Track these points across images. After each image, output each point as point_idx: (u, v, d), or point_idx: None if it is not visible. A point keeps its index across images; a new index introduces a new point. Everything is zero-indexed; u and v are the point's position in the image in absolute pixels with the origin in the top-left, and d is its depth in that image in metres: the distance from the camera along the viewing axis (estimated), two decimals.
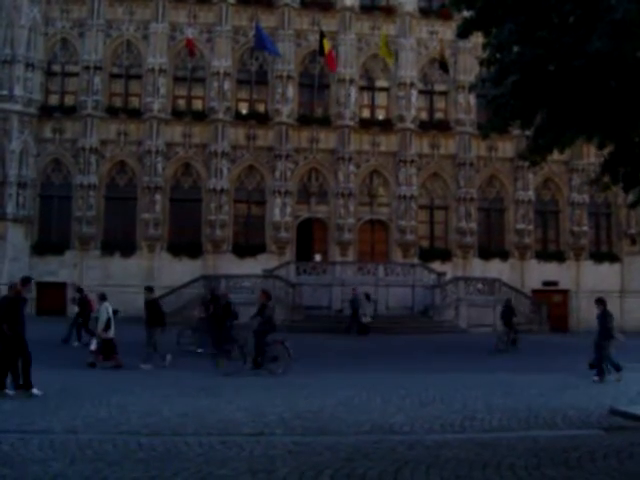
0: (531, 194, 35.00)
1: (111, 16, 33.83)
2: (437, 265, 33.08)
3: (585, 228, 35.29)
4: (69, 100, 33.90)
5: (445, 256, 34.27)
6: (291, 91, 33.82)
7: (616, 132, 9.25)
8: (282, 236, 33.09)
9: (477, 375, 15.23)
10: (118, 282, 30.36)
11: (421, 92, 35.26)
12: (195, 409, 10.25)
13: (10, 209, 31.59)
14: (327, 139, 34.19)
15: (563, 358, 20.17)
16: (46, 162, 33.19)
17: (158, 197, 32.71)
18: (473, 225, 34.53)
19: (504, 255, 34.88)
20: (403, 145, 34.26)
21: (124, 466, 6.90)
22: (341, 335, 25.91)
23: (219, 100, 33.28)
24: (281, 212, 33.10)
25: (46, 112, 33.14)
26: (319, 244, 33.96)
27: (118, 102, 34.10)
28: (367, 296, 27.43)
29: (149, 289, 16.93)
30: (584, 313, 31.79)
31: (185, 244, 33.03)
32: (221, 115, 33.28)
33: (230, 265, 31.98)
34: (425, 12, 35.57)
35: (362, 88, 35.21)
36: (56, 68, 34.17)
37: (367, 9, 35.19)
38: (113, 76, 34.24)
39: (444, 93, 35.83)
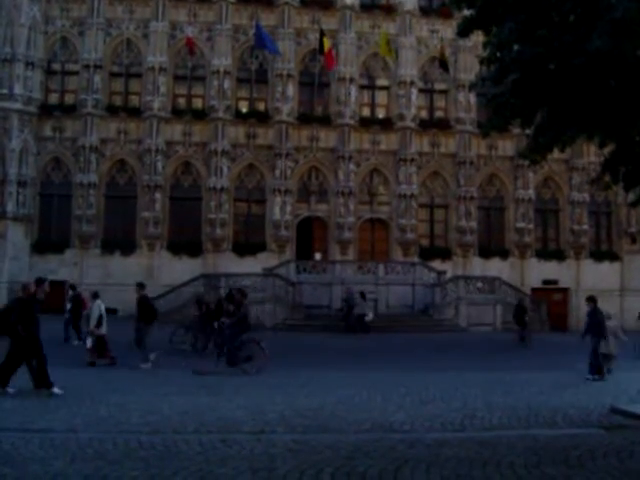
0: (531, 193, 34.98)
1: (111, 15, 33.80)
2: (437, 264, 33.08)
3: (585, 227, 35.28)
4: (69, 99, 33.89)
5: (445, 255, 34.26)
6: (291, 90, 33.78)
7: (617, 131, 9.24)
8: (282, 235, 33.08)
9: (477, 373, 15.23)
10: (118, 281, 30.31)
11: (421, 91, 35.22)
12: (195, 407, 10.25)
13: (10, 208, 31.56)
14: (327, 138, 34.15)
15: (563, 356, 20.20)
16: (46, 161, 33.17)
17: (158, 196, 32.70)
18: (473, 224, 34.50)
19: (504, 254, 34.86)
20: (403, 144, 34.23)
21: (124, 464, 6.89)
22: (341, 334, 25.92)
23: (219, 99, 33.25)
24: (281, 211, 33.08)
25: (46, 111, 33.12)
26: (319, 243, 33.94)
27: (118, 101, 34.08)
28: (362, 295, 27.40)
29: (140, 285, 16.67)
30: (584, 312, 31.59)
31: (185, 243, 33.02)
32: (221, 114, 33.25)
33: (230, 264, 31.94)
34: (425, 11, 35.53)
35: (362, 87, 35.17)
36: (56, 67, 34.14)
37: (367, 7, 35.12)
38: (113, 75, 34.22)
39: (444, 92, 35.80)
